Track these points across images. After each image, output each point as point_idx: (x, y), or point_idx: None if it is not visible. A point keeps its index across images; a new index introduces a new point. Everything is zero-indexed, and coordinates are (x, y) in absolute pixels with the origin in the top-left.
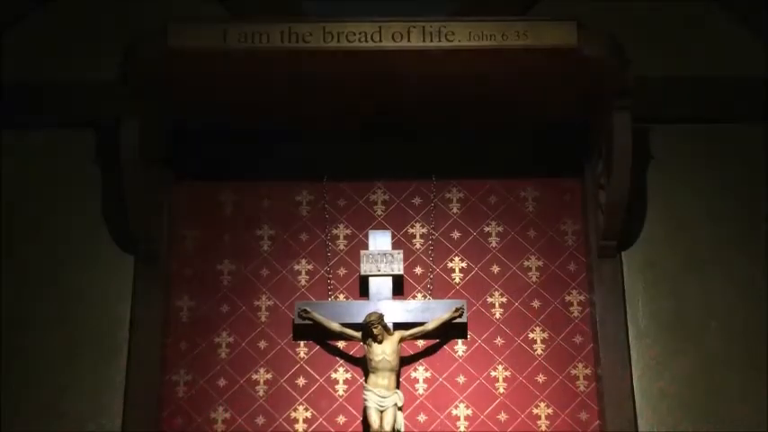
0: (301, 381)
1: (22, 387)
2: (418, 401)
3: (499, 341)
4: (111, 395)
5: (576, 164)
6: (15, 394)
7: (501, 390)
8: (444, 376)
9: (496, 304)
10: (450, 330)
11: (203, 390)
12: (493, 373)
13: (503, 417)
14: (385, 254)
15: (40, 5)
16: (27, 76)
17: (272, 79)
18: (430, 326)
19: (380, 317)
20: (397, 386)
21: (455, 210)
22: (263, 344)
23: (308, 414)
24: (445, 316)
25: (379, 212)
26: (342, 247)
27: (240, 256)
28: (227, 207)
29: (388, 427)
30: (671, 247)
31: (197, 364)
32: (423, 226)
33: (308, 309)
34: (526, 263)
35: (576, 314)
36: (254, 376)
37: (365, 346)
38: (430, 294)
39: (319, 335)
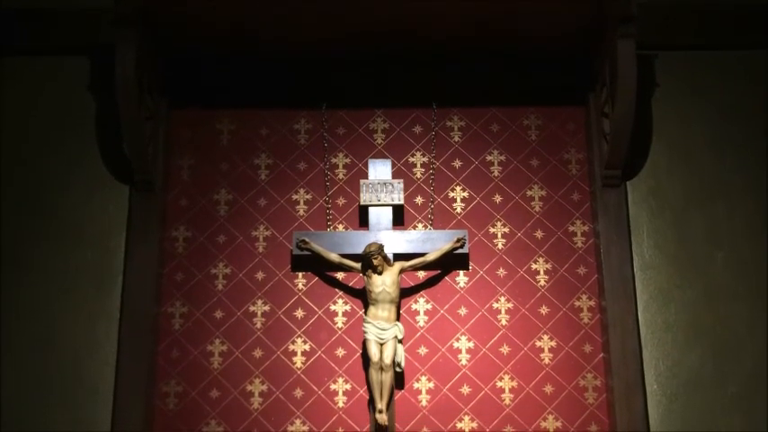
0: (300, 313)
1: (16, 319)
2: (419, 334)
3: (501, 272)
4: (107, 327)
5: (579, 92)
6: (10, 326)
7: (503, 322)
8: (446, 308)
9: (499, 234)
10: (451, 261)
11: (199, 322)
12: (495, 305)
13: (505, 349)
14: (385, 183)
15: None
16: (22, 2)
17: (269, 4)
18: (431, 256)
19: (380, 247)
20: (398, 318)
21: (456, 138)
22: (260, 275)
23: (307, 347)
24: (446, 246)
25: (379, 141)
26: (341, 176)
27: (237, 186)
28: (223, 136)
29: (388, 359)
30: (676, 176)
31: (193, 295)
32: (423, 155)
33: (307, 239)
34: (529, 192)
35: (579, 245)
36: (252, 308)
37: (365, 278)
38: (431, 224)
39: (318, 266)
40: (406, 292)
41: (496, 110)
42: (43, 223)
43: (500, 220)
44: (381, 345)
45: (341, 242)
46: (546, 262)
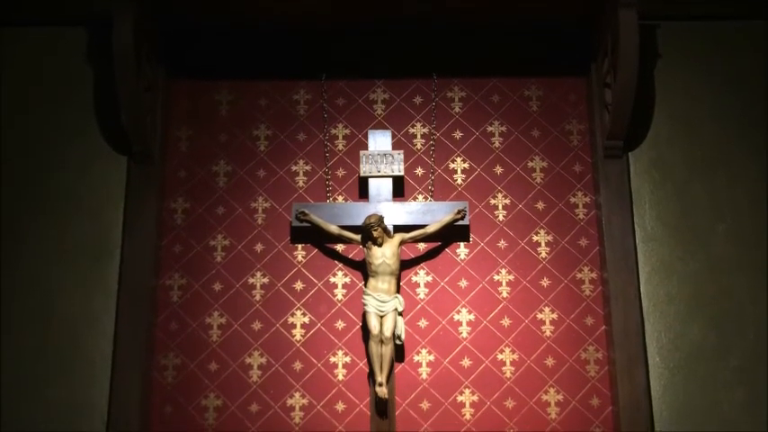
0: (299, 285)
1: (14, 291)
2: (419, 306)
3: (502, 244)
4: (105, 300)
5: (581, 62)
6: (8, 298)
7: (504, 294)
8: (446, 280)
9: (500, 206)
10: (451, 233)
11: (198, 294)
12: (496, 277)
13: (506, 322)
14: (385, 154)
15: None
16: None
17: None
18: (431, 228)
19: (380, 219)
20: (398, 290)
21: (457, 109)
22: (259, 247)
23: (306, 319)
24: (447, 218)
25: (379, 112)
26: (341, 147)
27: (236, 157)
28: (222, 106)
29: (388, 332)
30: (678, 147)
31: (192, 267)
32: (424, 125)
33: (306, 211)
34: (530, 163)
35: (581, 216)
36: (251, 280)
37: (365, 250)
38: (431, 196)
39: (317, 238)
40: (406, 264)
41: (497, 80)
42: (41, 195)
43: (501, 192)
44: (381, 317)
45: (340, 214)
46: (547, 234)
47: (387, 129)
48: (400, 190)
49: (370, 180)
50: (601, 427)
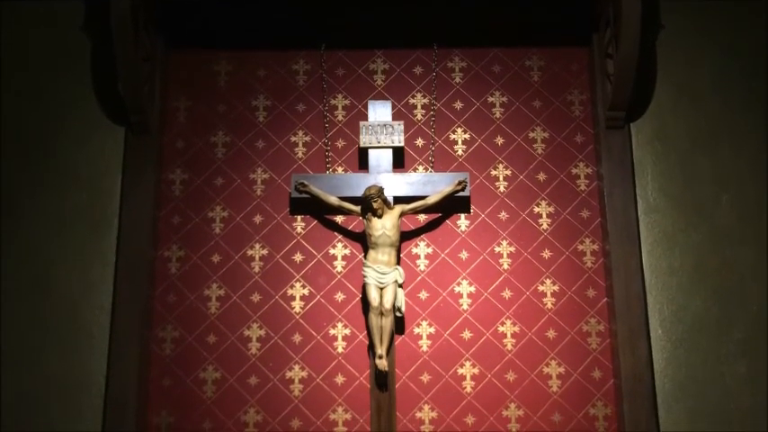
0: (298, 257)
1: (11, 262)
2: (419, 278)
3: (503, 215)
4: (102, 271)
5: (583, 32)
6: (5, 270)
7: (505, 266)
8: (447, 252)
9: (501, 177)
10: (452, 204)
11: (196, 266)
12: (497, 249)
13: (507, 294)
14: (385, 125)
15: None
16: None
17: None
18: (432, 199)
19: (380, 190)
20: (398, 262)
21: (458, 79)
22: (258, 218)
23: (306, 291)
24: (447, 189)
25: (379, 82)
26: (340, 118)
27: (235, 128)
28: (221, 77)
29: (388, 304)
30: (681, 117)
31: (190, 239)
32: (424, 96)
33: (306, 182)
34: (531, 134)
35: (582, 187)
36: (250, 252)
37: (364, 221)
38: (431, 167)
39: (317, 209)
40: (406, 236)
41: (498, 50)
42: (38, 166)
43: (502, 163)
44: (381, 289)
45: (340, 185)
46: (548, 205)
47: (387, 99)
48: (400, 161)
49: (370, 151)
50: (602, 399)
